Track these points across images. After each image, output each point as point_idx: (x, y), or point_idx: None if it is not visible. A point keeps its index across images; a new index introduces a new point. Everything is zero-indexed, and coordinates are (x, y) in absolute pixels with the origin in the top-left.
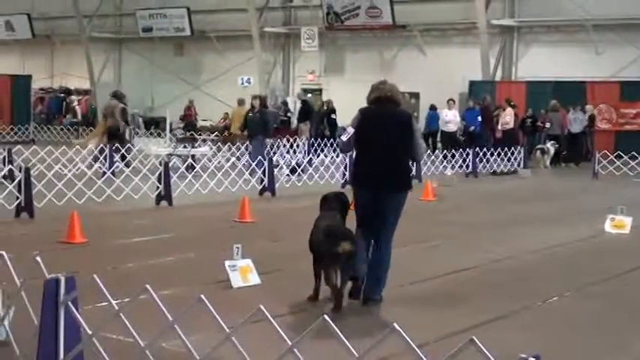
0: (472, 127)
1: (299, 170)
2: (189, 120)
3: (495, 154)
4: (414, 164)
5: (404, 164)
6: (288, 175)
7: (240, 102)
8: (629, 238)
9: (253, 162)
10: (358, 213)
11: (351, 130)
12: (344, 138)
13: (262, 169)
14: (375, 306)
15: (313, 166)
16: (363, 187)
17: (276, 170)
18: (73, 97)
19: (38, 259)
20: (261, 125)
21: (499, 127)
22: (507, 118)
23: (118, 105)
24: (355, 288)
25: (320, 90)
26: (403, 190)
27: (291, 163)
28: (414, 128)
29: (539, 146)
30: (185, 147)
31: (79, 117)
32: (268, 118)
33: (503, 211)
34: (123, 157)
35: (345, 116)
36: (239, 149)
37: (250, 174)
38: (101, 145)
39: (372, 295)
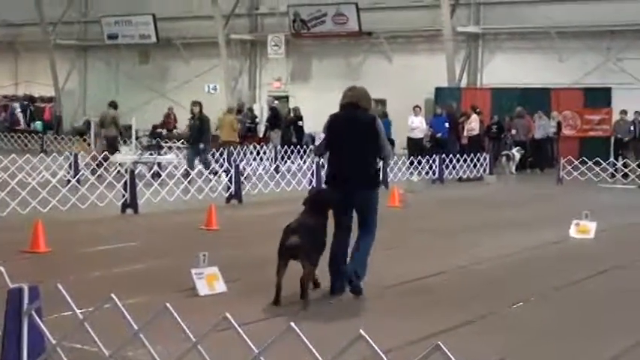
0: (439, 134)
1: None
2: (167, 127)
3: (461, 160)
4: (381, 169)
5: (371, 164)
6: (215, 178)
7: (230, 110)
8: (593, 243)
9: (192, 169)
10: (334, 211)
11: (321, 135)
12: (317, 143)
13: (228, 175)
14: (353, 294)
15: (280, 173)
16: (336, 187)
17: (215, 177)
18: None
19: (1, 268)
20: (199, 132)
21: (465, 133)
22: (473, 125)
23: (116, 115)
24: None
25: (286, 97)
26: (372, 187)
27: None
28: (379, 129)
29: (504, 152)
30: (151, 154)
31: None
32: (206, 126)
33: (469, 218)
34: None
35: (312, 123)
36: (222, 156)
37: (190, 182)
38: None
39: (353, 273)
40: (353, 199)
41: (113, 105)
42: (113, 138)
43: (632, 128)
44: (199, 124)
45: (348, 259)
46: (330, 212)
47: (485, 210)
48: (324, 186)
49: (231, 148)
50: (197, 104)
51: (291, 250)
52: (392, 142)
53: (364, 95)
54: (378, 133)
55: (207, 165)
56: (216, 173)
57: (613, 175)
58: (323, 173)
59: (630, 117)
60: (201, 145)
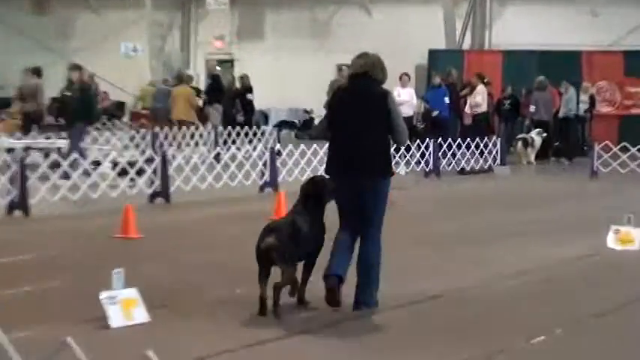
0: (437, 112)
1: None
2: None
3: (464, 146)
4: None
5: (381, 148)
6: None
7: (181, 78)
8: (638, 257)
9: (74, 157)
10: (338, 205)
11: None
12: (317, 121)
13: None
14: (369, 313)
15: (222, 162)
16: (339, 176)
17: (99, 169)
18: None
19: None
20: (82, 108)
21: (468, 110)
22: (479, 99)
23: (39, 84)
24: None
25: (231, 61)
26: (382, 176)
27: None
28: (392, 107)
29: (520, 136)
30: (48, 137)
31: None
32: (91, 99)
33: (475, 222)
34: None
35: (265, 96)
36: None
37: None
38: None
39: (363, 297)
40: (360, 189)
41: (36, 72)
42: (36, 114)
43: None
44: (80, 95)
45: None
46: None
47: (496, 212)
48: (323, 174)
49: (184, 128)
50: (76, 68)
51: (265, 253)
52: None
53: (378, 64)
54: (391, 110)
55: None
56: (98, 163)
57: None
58: (276, 163)
59: None
60: (80, 125)
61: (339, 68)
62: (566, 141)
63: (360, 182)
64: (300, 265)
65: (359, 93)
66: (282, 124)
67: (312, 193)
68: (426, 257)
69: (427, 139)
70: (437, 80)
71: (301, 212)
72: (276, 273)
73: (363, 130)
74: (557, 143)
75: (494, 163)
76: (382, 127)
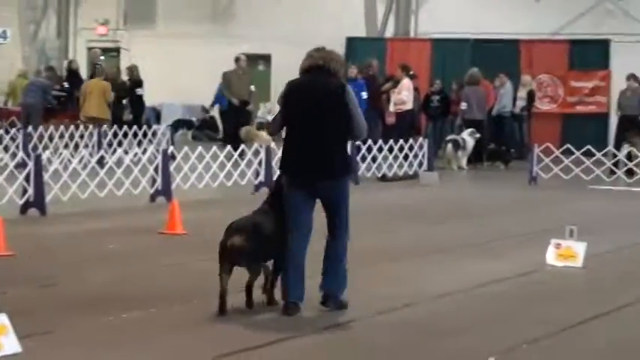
0: None
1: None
2: None
3: (385, 149)
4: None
5: (340, 145)
6: None
7: (99, 72)
8: (580, 275)
9: None
10: (289, 208)
11: (278, 108)
12: (271, 118)
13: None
14: (336, 310)
15: (106, 167)
16: (294, 175)
17: None
18: None
19: None
20: None
21: (391, 108)
22: (403, 95)
23: None
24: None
25: (117, 50)
26: (341, 175)
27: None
28: (351, 102)
29: (450, 137)
30: None
31: None
32: None
33: (398, 236)
34: None
35: (157, 91)
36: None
37: None
38: None
39: (332, 291)
40: (315, 191)
41: None
42: None
43: None
44: None
45: (321, 272)
46: None
47: (422, 224)
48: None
49: (94, 125)
50: None
51: (229, 253)
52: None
53: (335, 57)
54: (349, 105)
55: None
56: None
57: (612, 172)
58: (169, 168)
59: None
60: None
61: (237, 58)
62: (502, 143)
63: (316, 183)
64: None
65: (315, 87)
66: (178, 124)
67: (279, 192)
68: None
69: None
70: (352, 72)
71: (267, 211)
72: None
73: (320, 126)
74: (491, 145)
75: (420, 169)
76: (340, 123)
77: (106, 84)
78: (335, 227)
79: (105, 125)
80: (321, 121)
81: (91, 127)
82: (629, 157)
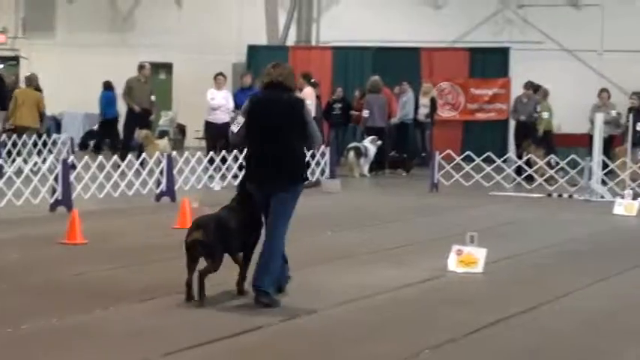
0: None
1: None
2: None
3: None
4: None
5: (297, 154)
6: None
7: (30, 80)
8: (481, 280)
9: None
10: (260, 208)
11: (241, 120)
12: (234, 128)
13: None
14: (262, 298)
15: (5, 177)
16: (257, 183)
17: None
18: None
19: None
20: None
21: None
22: (307, 104)
23: None
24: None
25: (16, 59)
26: (297, 182)
27: None
28: (307, 115)
29: (352, 145)
30: None
31: None
32: None
33: (302, 244)
34: None
35: (57, 100)
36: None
37: None
38: None
39: (258, 282)
40: (269, 195)
41: None
42: None
43: (537, 108)
44: None
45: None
46: None
47: (322, 231)
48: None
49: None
50: None
51: (191, 246)
52: (183, 131)
53: (290, 74)
54: (306, 119)
55: None
56: None
57: (514, 179)
58: (70, 178)
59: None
60: None
61: (141, 66)
62: (403, 150)
63: (270, 190)
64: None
65: (275, 102)
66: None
67: (243, 191)
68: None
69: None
70: (247, 80)
71: (232, 208)
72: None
73: (279, 138)
74: (393, 153)
75: (322, 176)
76: (298, 134)
77: (38, 95)
78: (274, 224)
79: (34, 135)
80: (281, 133)
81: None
82: (529, 163)
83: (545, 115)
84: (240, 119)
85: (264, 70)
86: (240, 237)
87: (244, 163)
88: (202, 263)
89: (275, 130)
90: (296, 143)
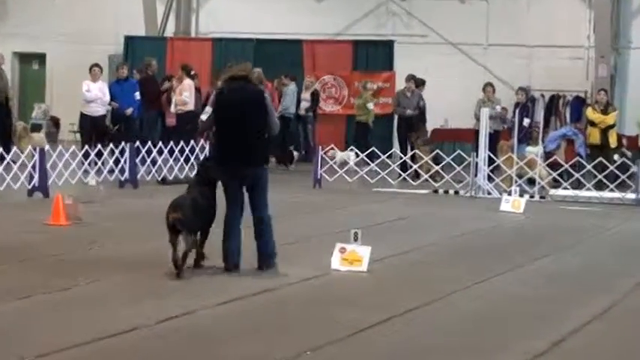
0: (130, 109)
1: None
2: None
3: (166, 151)
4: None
5: (260, 140)
6: None
7: None
8: (365, 279)
9: None
10: (224, 191)
11: (209, 110)
12: (203, 117)
13: None
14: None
15: None
16: (224, 164)
17: None
18: None
19: None
20: None
21: (172, 109)
22: (185, 96)
23: None
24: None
25: None
26: (261, 163)
27: None
28: (268, 105)
29: None
30: None
31: None
32: None
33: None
34: None
35: None
36: None
37: None
38: None
39: (264, 260)
40: (242, 177)
41: None
42: None
43: (420, 102)
44: None
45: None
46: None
47: None
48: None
49: None
50: None
51: (172, 225)
52: (57, 124)
53: (250, 68)
54: (268, 108)
55: None
56: None
57: (399, 175)
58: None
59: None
60: None
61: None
62: (285, 145)
63: (242, 170)
64: None
65: (241, 94)
66: None
67: (205, 175)
68: (120, 285)
69: (121, 141)
70: (124, 72)
71: (199, 190)
72: None
73: (244, 126)
74: (274, 147)
75: None
76: (260, 123)
77: None
78: (258, 205)
79: None
80: (246, 121)
81: None
82: (414, 159)
83: (370, 105)
84: (208, 109)
85: (226, 68)
86: (207, 214)
87: (211, 150)
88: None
89: (242, 119)
90: (258, 130)
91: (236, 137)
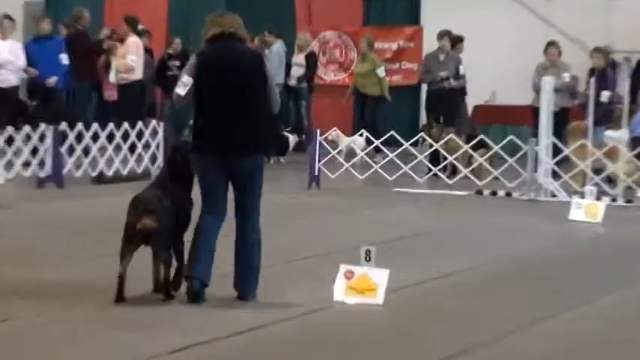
0: (53, 78)
1: None
2: None
3: (103, 136)
4: None
5: (258, 120)
6: None
7: None
8: (381, 315)
9: None
10: (204, 190)
11: (188, 80)
12: (180, 91)
13: None
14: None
15: None
16: (208, 153)
17: None
18: None
19: None
20: None
21: (111, 78)
22: (130, 60)
23: None
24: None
25: None
26: (259, 151)
27: None
28: (267, 71)
29: None
30: None
31: None
32: None
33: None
34: None
35: None
36: None
37: None
38: None
39: (246, 290)
40: (230, 170)
41: None
42: None
43: (459, 69)
44: None
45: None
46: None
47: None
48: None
49: None
50: None
51: (141, 234)
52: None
53: (241, 24)
54: (267, 77)
55: None
56: None
57: (429, 169)
58: None
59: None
60: None
61: None
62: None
63: (233, 161)
64: None
65: (232, 57)
66: None
67: (181, 166)
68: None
69: (41, 124)
70: (45, 27)
71: (171, 186)
72: None
73: (236, 100)
74: None
75: (154, 165)
76: (258, 95)
77: None
78: (248, 210)
79: None
80: (239, 93)
81: None
82: (448, 148)
83: (380, 72)
84: (187, 79)
85: (206, 22)
86: (182, 222)
87: (192, 134)
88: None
89: (235, 90)
90: (255, 106)
91: (226, 117)
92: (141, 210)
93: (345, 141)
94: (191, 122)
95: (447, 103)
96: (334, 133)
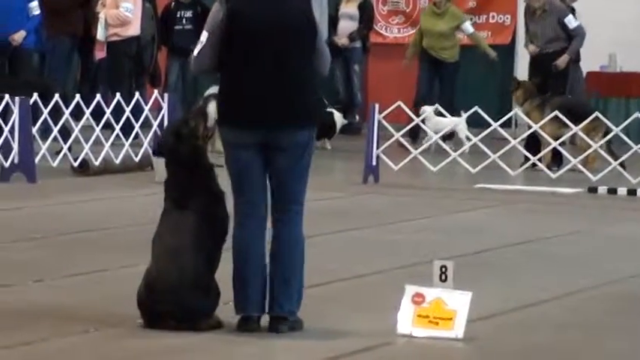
0: (20, 33)
1: None
2: None
3: (88, 111)
4: None
5: (306, 83)
6: None
7: None
8: (459, 353)
9: None
10: (234, 173)
11: (205, 38)
12: (197, 51)
13: None
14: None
15: None
16: (241, 125)
17: None
18: None
19: None
20: None
21: (99, 34)
22: (124, 9)
23: None
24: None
25: None
26: (308, 123)
27: None
28: (317, 23)
29: (214, 90)
30: None
31: None
32: None
33: (115, 275)
34: None
35: None
36: None
37: None
38: None
39: (281, 308)
40: (275, 143)
41: None
42: None
43: (571, 25)
44: None
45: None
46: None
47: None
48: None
49: None
50: None
51: (162, 319)
52: None
53: None
54: (317, 30)
55: None
56: None
57: (525, 159)
58: None
59: None
60: None
61: None
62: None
63: (273, 133)
64: None
65: (271, 7)
66: None
67: (185, 156)
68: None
69: (5, 95)
70: None
71: (189, 191)
72: None
73: (279, 58)
74: None
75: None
76: (305, 52)
77: None
78: (289, 203)
79: None
80: (281, 50)
81: None
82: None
83: (468, 27)
84: (205, 36)
85: None
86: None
87: (216, 105)
88: None
89: (276, 44)
90: (302, 65)
91: (263, 80)
92: (153, 289)
93: (440, 122)
94: (207, 92)
95: (547, 68)
96: (426, 108)
